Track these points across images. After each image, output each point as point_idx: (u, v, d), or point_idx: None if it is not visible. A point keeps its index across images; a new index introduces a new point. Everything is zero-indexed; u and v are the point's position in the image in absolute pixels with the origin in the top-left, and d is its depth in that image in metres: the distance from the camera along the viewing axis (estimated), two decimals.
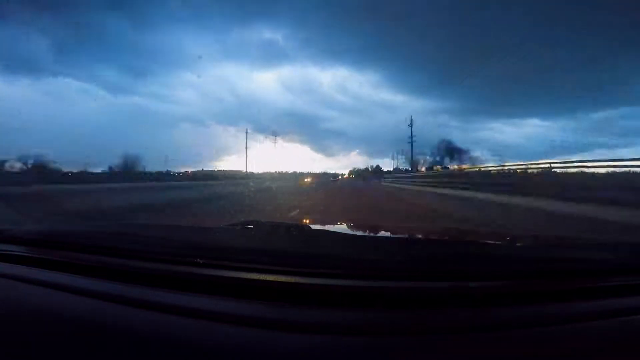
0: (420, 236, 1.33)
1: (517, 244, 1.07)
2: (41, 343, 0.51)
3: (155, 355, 0.45)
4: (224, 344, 0.46)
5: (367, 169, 61.21)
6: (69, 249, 0.85)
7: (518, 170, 11.69)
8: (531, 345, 0.47)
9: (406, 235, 1.33)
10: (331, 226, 1.42)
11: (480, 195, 9.96)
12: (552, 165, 9.52)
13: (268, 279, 0.63)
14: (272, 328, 0.48)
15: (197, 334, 0.48)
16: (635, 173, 7.45)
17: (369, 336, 0.47)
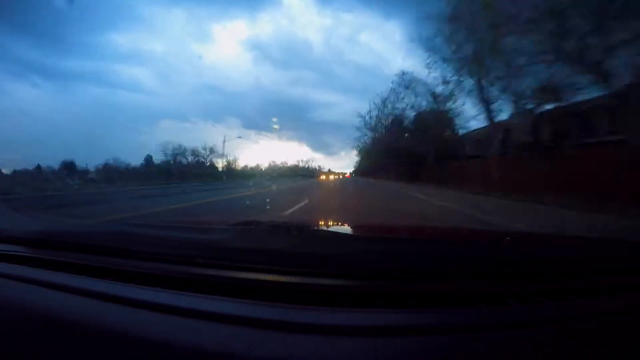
0: (420, 236, 1.33)
1: (517, 244, 1.07)
2: (41, 343, 0.51)
3: (155, 355, 0.45)
4: (224, 344, 0.46)
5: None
6: (69, 249, 0.85)
7: None
8: (531, 345, 0.47)
9: (406, 236, 1.33)
10: (331, 226, 1.42)
11: None
12: None
13: (268, 279, 0.63)
14: (272, 328, 0.48)
15: (197, 334, 0.48)
16: None
17: (369, 336, 0.47)
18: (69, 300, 0.60)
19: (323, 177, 49.07)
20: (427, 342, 0.47)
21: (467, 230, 1.80)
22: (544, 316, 0.54)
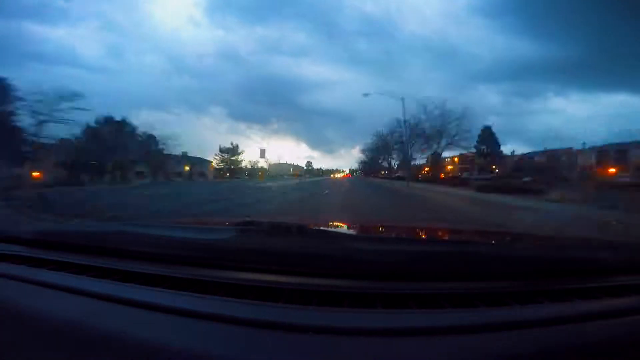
0: (420, 236, 1.33)
1: (517, 244, 1.07)
2: (41, 343, 0.51)
3: (156, 356, 0.45)
4: (224, 345, 0.46)
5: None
6: (69, 249, 0.85)
7: None
8: (531, 345, 0.47)
9: (406, 235, 1.33)
10: (331, 226, 1.42)
11: None
12: None
13: (268, 279, 0.63)
14: (272, 328, 0.48)
15: (197, 334, 0.48)
16: None
17: (369, 336, 0.47)
18: (69, 300, 0.60)
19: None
20: (427, 343, 0.47)
21: (467, 230, 1.80)
22: (544, 316, 0.54)
